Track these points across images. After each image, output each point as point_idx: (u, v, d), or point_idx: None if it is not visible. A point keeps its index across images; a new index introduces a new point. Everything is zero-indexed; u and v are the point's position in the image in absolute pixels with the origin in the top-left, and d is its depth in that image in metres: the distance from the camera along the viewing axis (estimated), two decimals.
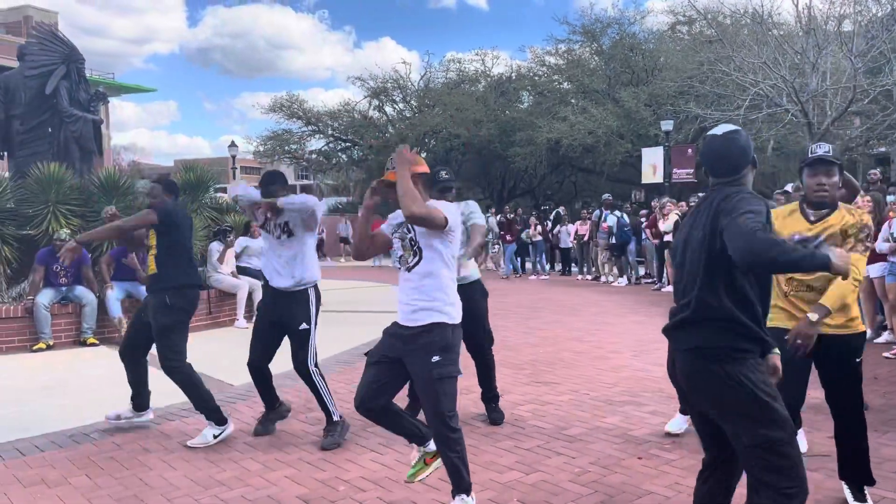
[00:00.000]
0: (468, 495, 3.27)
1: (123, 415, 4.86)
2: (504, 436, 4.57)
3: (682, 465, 3.93)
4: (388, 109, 34.37)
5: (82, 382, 6.28)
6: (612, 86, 27.34)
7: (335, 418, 4.50)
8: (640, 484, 3.72)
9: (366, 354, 3.40)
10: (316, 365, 4.56)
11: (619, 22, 28.57)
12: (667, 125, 22.09)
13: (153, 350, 4.84)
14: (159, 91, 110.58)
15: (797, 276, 3.34)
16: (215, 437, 4.50)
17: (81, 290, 8.01)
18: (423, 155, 32.03)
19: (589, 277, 15.89)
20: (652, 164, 23.20)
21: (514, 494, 3.62)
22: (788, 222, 3.39)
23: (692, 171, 22.63)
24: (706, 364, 2.39)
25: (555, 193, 31.78)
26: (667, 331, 2.57)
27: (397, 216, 3.41)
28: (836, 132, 19.83)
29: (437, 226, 3.17)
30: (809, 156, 3.34)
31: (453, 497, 3.29)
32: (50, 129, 9.77)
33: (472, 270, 4.87)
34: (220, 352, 7.29)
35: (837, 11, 19.26)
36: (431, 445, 3.40)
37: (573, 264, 17.59)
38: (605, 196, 16.89)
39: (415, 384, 3.28)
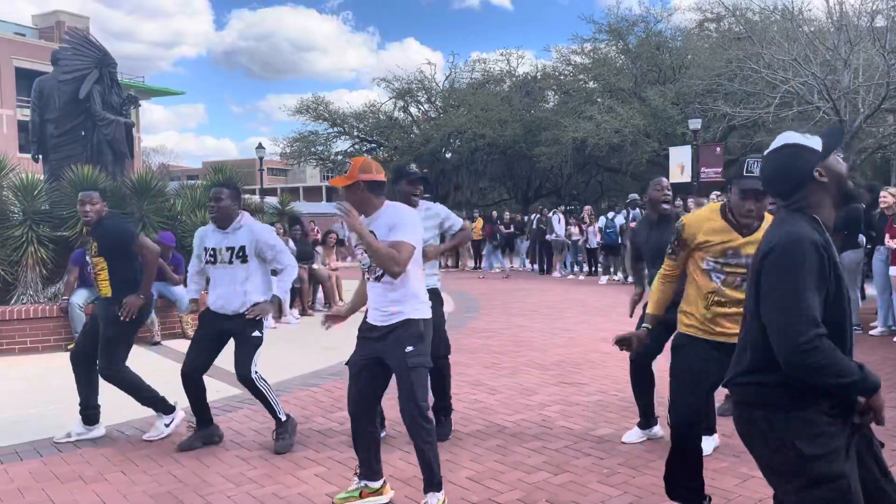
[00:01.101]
0: (439, 491, 3.35)
1: (74, 431, 4.67)
2: (532, 436, 4.57)
3: (712, 468, 3.90)
4: (413, 110, 34.50)
5: None
6: (639, 84, 27.15)
7: (282, 418, 4.42)
8: None
9: (346, 364, 3.52)
10: (257, 371, 4.37)
11: (646, 20, 28.43)
12: (695, 124, 21.88)
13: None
14: (187, 94, 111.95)
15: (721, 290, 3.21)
16: (167, 425, 4.63)
17: None
18: (448, 156, 32.08)
19: (615, 278, 15.81)
20: (679, 164, 23.00)
21: (543, 495, 3.62)
22: (716, 230, 3.21)
23: (720, 170, 22.38)
24: (752, 411, 2.10)
25: (580, 193, 31.67)
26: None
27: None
28: (868, 130, 19.50)
29: (413, 258, 3.32)
30: (744, 174, 3.11)
31: (425, 493, 3.36)
32: (83, 133, 9.94)
33: (430, 279, 4.36)
34: None
35: (870, 6, 18.94)
36: (375, 484, 3.51)
37: (599, 264, 17.50)
38: (632, 196, 16.77)
39: (395, 376, 3.36)
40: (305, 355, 7.30)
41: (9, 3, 68.90)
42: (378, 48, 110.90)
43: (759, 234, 3.13)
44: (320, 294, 11.26)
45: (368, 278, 3.46)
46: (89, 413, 4.72)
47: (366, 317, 3.51)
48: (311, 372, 6.32)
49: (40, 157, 10.11)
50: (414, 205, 4.39)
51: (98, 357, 4.58)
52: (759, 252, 2.09)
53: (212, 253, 4.42)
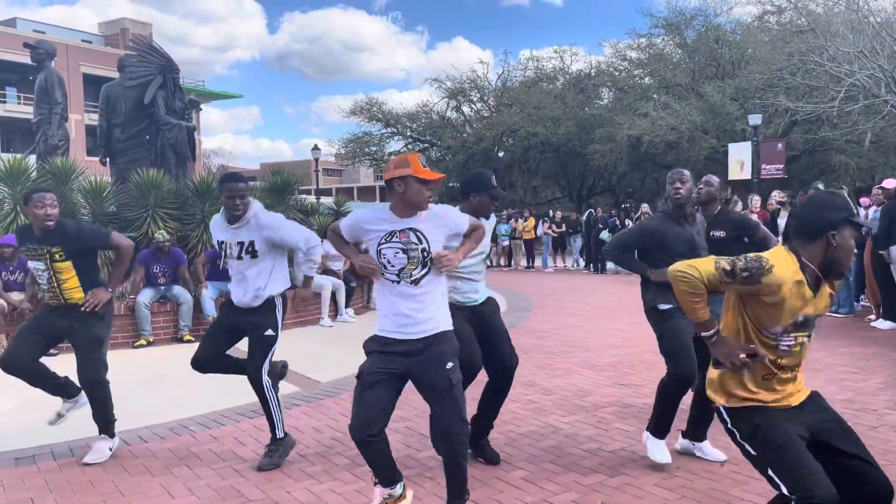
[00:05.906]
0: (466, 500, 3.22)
1: (62, 410, 4.54)
2: (587, 438, 4.56)
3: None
4: (466, 109, 34.56)
5: (180, 377, 6.60)
6: (696, 80, 26.60)
7: (279, 435, 4.19)
8: (728, 490, 3.64)
9: (357, 377, 3.15)
10: (269, 374, 4.20)
11: (704, 13, 27.81)
12: (755, 119, 21.34)
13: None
14: (243, 97, 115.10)
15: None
16: (111, 449, 4.36)
17: (179, 290, 8.43)
18: (501, 154, 31.99)
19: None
20: (739, 160, 22.48)
21: (599, 497, 3.61)
22: (793, 292, 2.43)
23: (782, 166, 21.76)
24: None
25: (636, 191, 31.19)
26: None
27: (381, 221, 3.15)
28: None
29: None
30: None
31: None
32: (148, 137, 10.30)
33: (472, 295, 4.09)
34: (305, 350, 7.51)
35: None
36: (398, 489, 3.24)
37: None
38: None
39: (428, 393, 3.12)
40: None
41: (70, 11, 71.55)
42: (427, 48, 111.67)
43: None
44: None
45: (397, 281, 3.10)
46: (61, 385, 4.46)
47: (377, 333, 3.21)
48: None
49: (108, 160, 10.52)
50: (486, 217, 4.10)
51: (83, 364, 4.25)
52: None
53: (221, 245, 4.23)
